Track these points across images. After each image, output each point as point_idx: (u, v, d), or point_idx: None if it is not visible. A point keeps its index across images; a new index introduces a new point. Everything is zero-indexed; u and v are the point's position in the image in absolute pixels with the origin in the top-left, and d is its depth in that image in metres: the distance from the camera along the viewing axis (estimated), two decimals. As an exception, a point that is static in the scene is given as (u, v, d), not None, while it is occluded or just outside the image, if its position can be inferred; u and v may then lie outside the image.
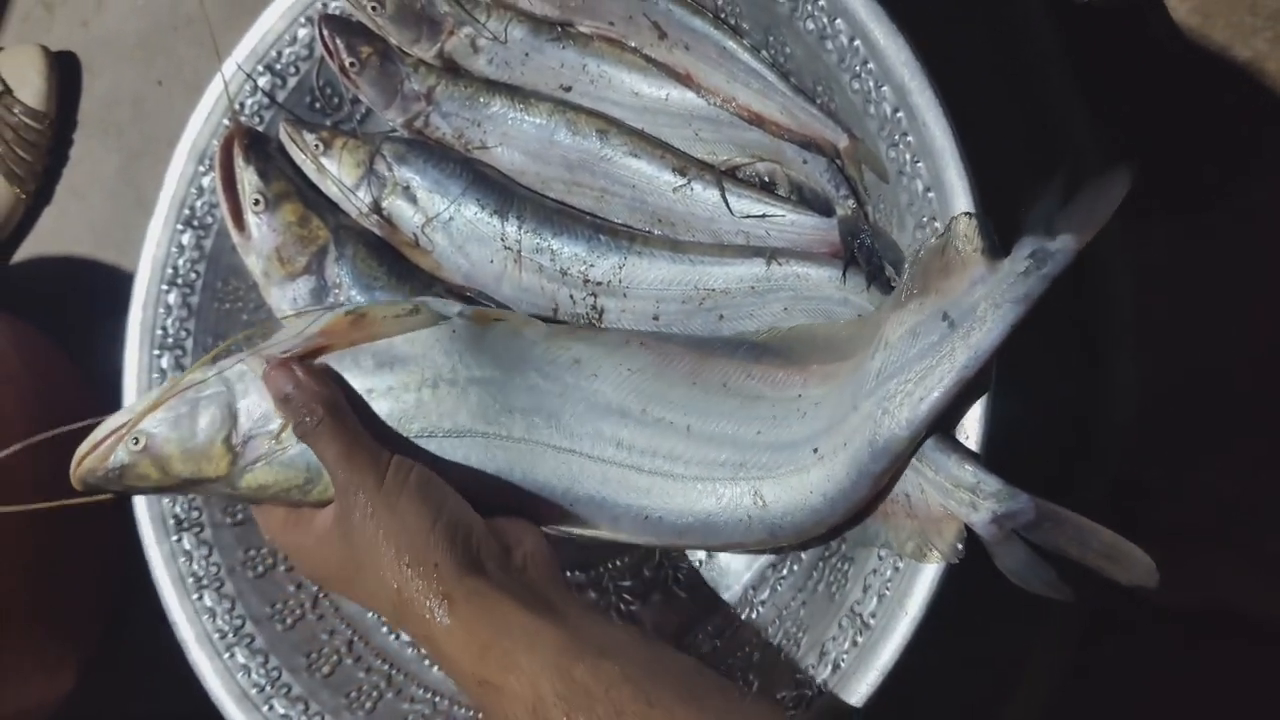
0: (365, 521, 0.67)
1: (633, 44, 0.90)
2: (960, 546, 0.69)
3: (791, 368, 0.79)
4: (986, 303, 0.66)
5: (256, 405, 0.76)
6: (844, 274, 0.82)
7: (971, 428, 0.70)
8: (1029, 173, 0.91)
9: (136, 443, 0.77)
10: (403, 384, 0.77)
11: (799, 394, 0.78)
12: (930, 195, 0.74)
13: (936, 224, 0.74)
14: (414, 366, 0.77)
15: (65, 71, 1.25)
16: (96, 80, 1.26)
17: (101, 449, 0.78)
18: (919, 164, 0.74)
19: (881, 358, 0.70)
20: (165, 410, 0.78)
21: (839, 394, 0.74)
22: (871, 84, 0.77)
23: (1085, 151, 1.04)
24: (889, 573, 0.73)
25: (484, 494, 0.73)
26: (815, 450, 0.73)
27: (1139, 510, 0.94)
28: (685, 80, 0.89)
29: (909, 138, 0.75)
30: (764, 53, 0.85)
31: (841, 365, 0.75)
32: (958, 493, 0.69)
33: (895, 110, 0.75)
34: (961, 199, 0.72)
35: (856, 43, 0.77)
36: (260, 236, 0.95)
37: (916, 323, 0.69)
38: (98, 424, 0.79)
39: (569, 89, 0.94)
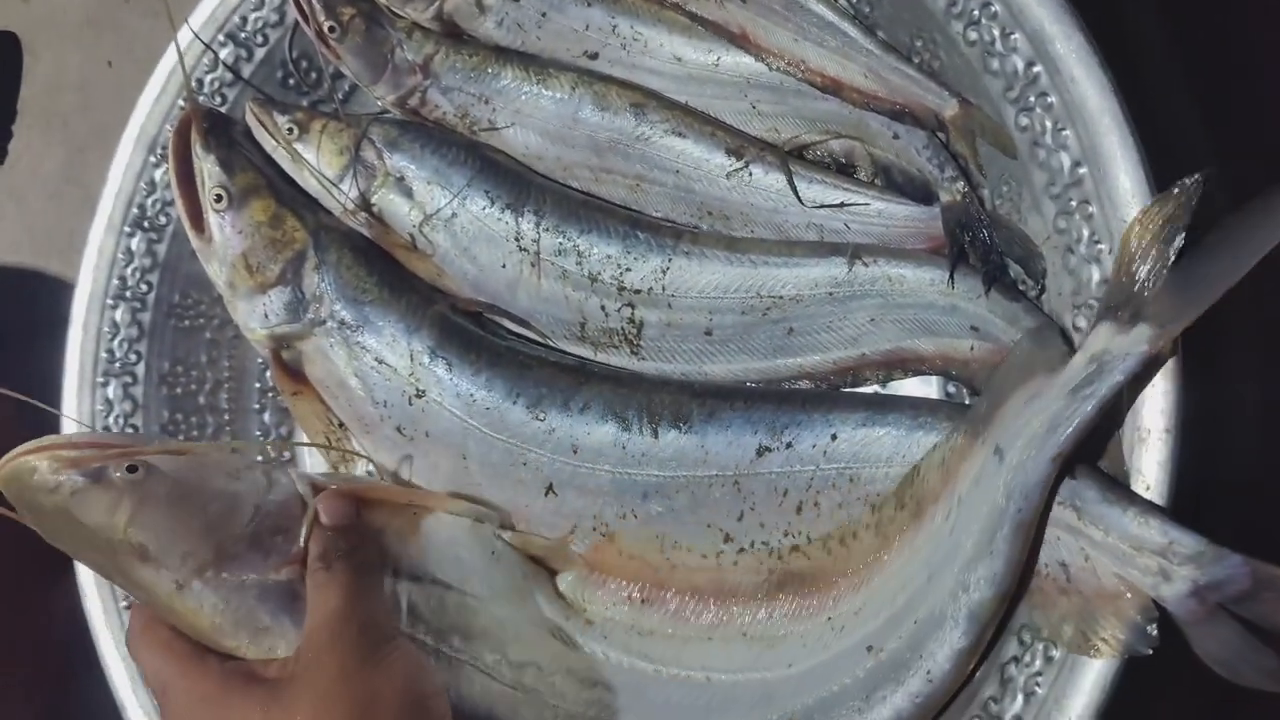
0: (335, 686, 0.54)
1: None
2: (1153, 630, 0.50)
3: (814, 594, 0.65)
4: (1037, 427, 0.53)
5: (277, 520, 0.62)
6: (951, 275, 0.63)
7: (1152, 472, 0.52)
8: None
9: (133, 471, 0.60)
10: (429, 590, 0.66)
11: (828, 617, 0.63)
12: (1081, 171, 0.56)
13: (1091, 209, 0.55)
14: (447, 577, 0.67)
15: (2, 54, 1.06)
16: (38, 63, 1.07)
17: (71, 454, 0.60)
18: (1064, 131, 0.56)
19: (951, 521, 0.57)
20: (186, 462, 0.62)
21: (888, 584, 0.61)
22: (996, 32, 0.58)
23: (1198, 156, 0.86)
24: (1037, 663, 0.55)
25: None
26: (870, 649, 0.59)
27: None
28: (740, 40, 0.70)
29: (1049, 98, 0.57)
30: (841, 2, 0.66)
31: (880, 558, 0.62)
32: (1141, 558, 0.51)
33: (1030, 64, 0.57)
34: (1126, 175, 0.54)
35: (972, -20, 0.58)
36: (223, 240, 0.76)
37: (978, 464, 0.56)
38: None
39: (595, 56, 0.75)
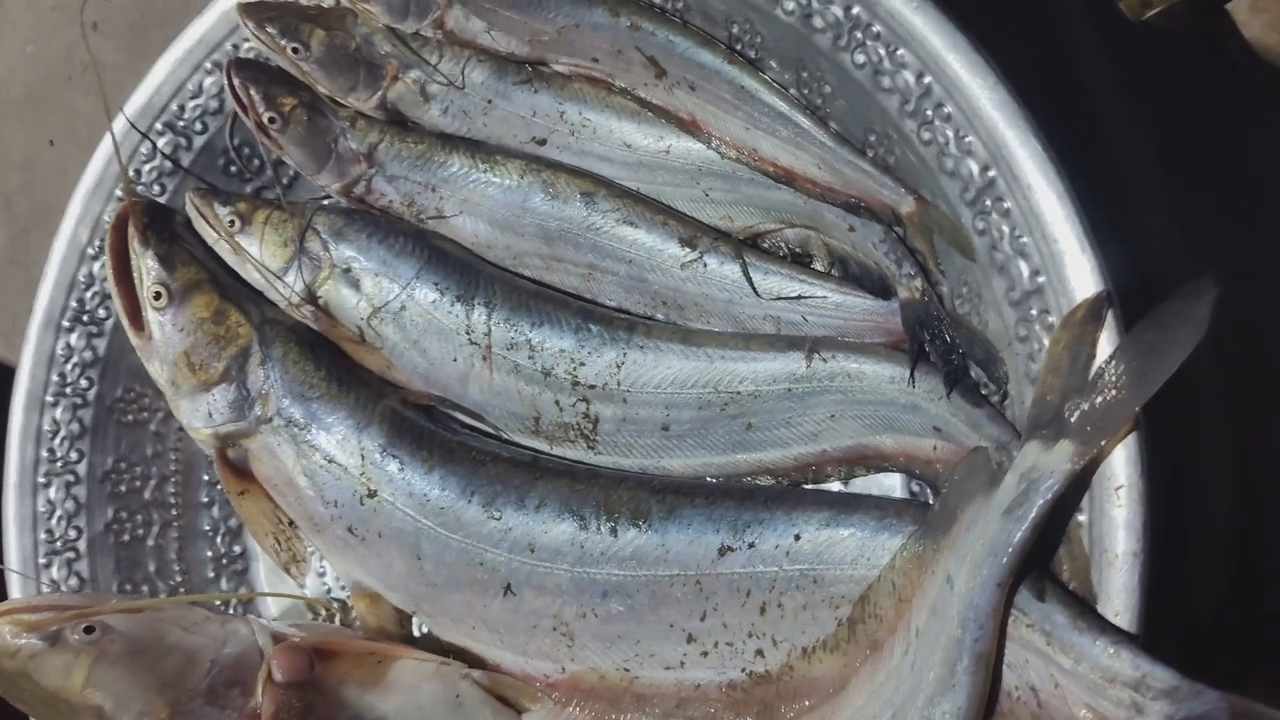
0: None
1: (622, 84, 0.69)
2: (1121, 768, 0.48)
3: None
4: (979, 551, 0.52)
5: (234, 673, 0.61)
6: (911, 373, 0.60)
7: (1120, 597, 0.50)
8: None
9: (89, 631, 0.60)
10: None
11: None
12: (1041, 280, 0.53)
13: (1051, 319, 0.53)
14: None
15: (-61, 131, 1.02)
16: (-22, 140, 1.03)
17: (30, 617, 0.59)
18: (1022, 239, 0.54)
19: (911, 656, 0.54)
20: (142, 618, 0.62)
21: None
22: (950, 133, 0.56)
23: (1150, 201, 0.85)
24: (1006, 789, 0.52)
25: None
26: None
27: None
28: (691, 128, 0.68)
29: (1005, 204, 0.54)
30: (793, 92, 0.64)
31: (841, 696, 0.60)
32: (1113, 689, 0.48)
33: (985, 168, 0.55)
34: (1084, 288, 0.52)
35: (928, 79, 0.56)
36: (164, 338, 0.73)
37: (932, 594, 0.54)
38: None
39: (543, 142, 0.72)
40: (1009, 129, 0.54)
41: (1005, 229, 0.55)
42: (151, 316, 0.73)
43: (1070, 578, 0.52)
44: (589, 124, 0.71)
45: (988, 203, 0.55)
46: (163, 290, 0.73)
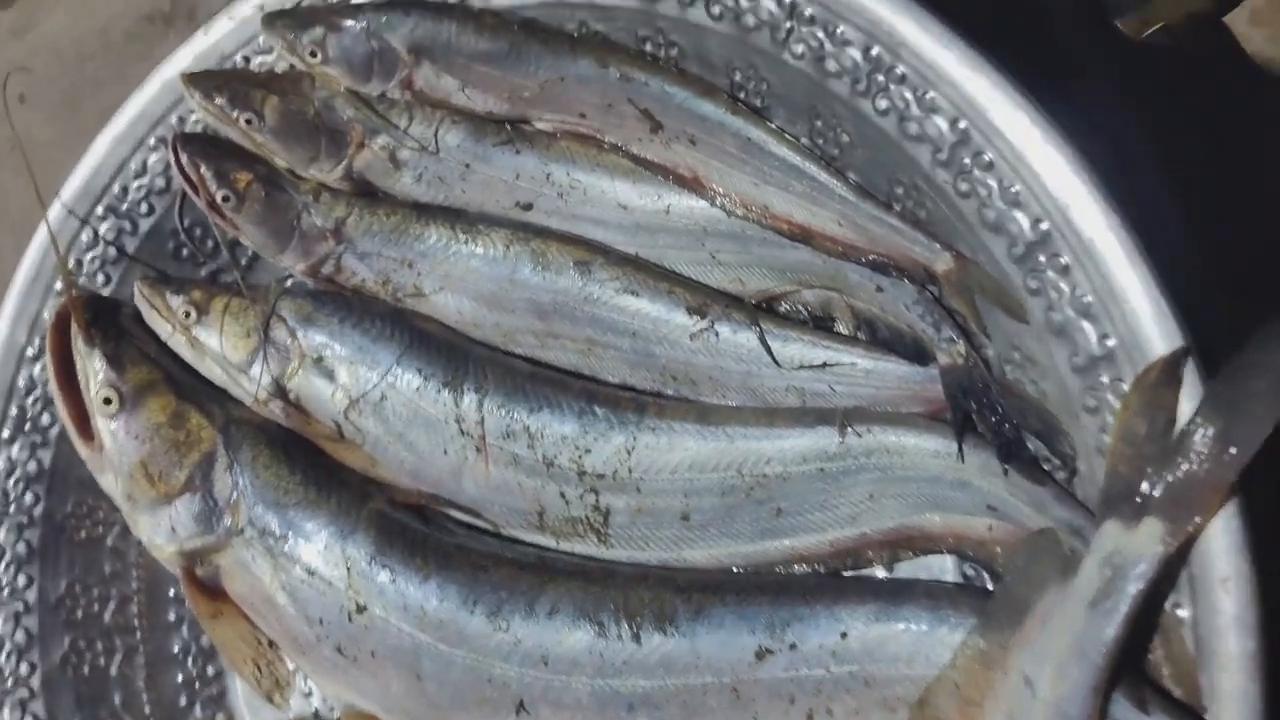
0: None
1: (613, 140, 0.63)
2: None
3: None
4: (1063, 650, 0.46)
5: None
6: (960, 447, 0.54)
7: (1236, 706, 0.44)
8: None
9: None
10: None
11: None
12: (1111, 344, 0.47)
13: (1125, 386, 0.47)
14: None
15: None
16: (-100, 228, 0.94)
17: None
18: (1085, 298, 0.48)
19: None
20: None
21: None
22: (993, 184, 0.50)
23: (1165, 221, 0.80)
24: None
25: None
26: None
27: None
28: (693, 185, 0.62)
29: (1063, 259, 0.48)
30: (806, 141, 0.58)
31: None
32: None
33: (1038, 221, 0.49)
34: (1164, 349, 0.46)
35: (964, 124, 0.50)
36: (117, 447, 0.65)
37: (1008, 699, 0.48)
38: None
39: (529, 207, 0.65)
40: (1064, 177, 0.48)
41: (1064, 288, 0.49)
42: (101, 424, 0.66)
43: (1174, 683, 0.45)
44: (579, 185, 0.64)
45: (1041, 259, 0.49)
46: (113, 394, 0.65)
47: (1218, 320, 0.50)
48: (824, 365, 0.60)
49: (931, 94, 0.51)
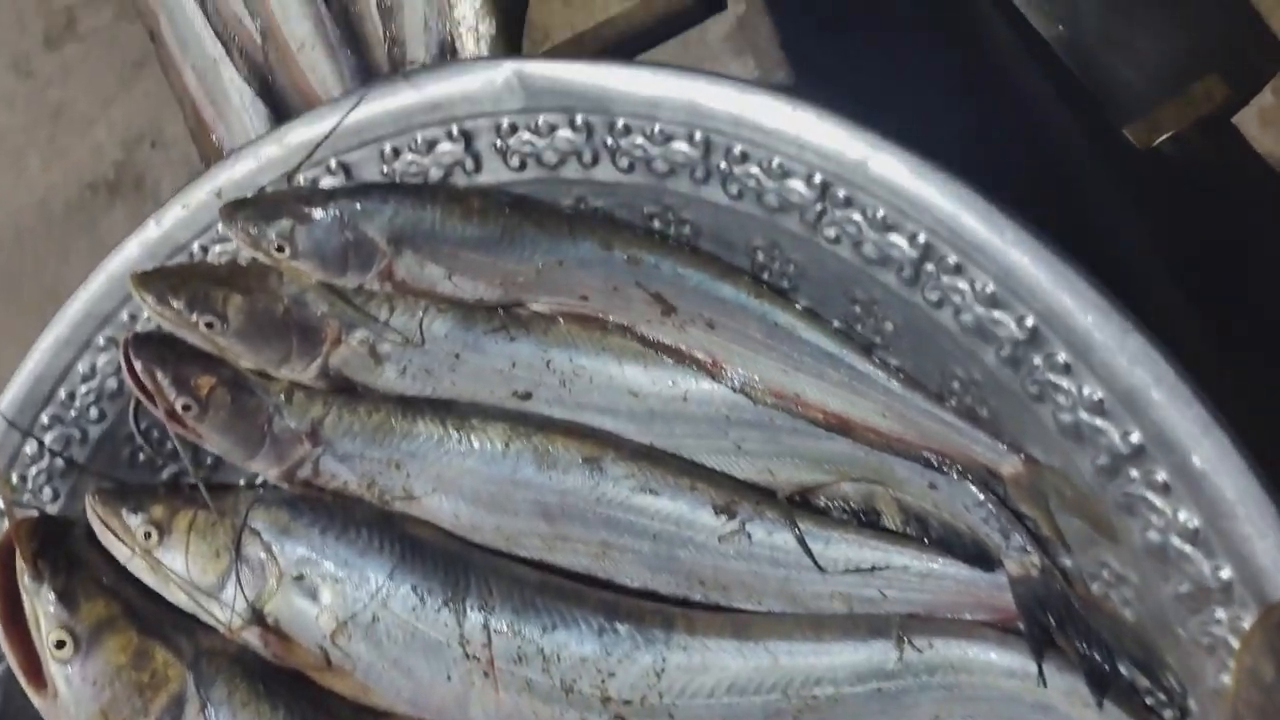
0: None
1: (619, 321, 0.56)
2: None
3: None
4: None
5: None
6: (1040, 667, 0.48)
7: None
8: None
9: None
10: None
11: None
12: (1225, 575, 0.41)
13: (1244, 623, 0.41)
14: None
15: None
16: None
17: None
18: (1190, 523, 0.41)
19: None
20: None
21: None
22: (1071, 387, 0.44)
23: (1179, 333, 0.75)
24: None
25: None
26: None
27: None
28: (712, 370, 0.55)
29: (1158, 475, 0.42)
30: (837, 323, 0.52)
31: None
32: None
33: (1127, 433, 0.43)
34: (1291, 586, 0.40)
35: (1031, 321, 0.44)
36: (74, 695, 0.57)
37: None
38: None
39: (528, 396, 0.59)
40: (1154, 386, 0.42)
41: (1164, 509, 0.42)
42: (55, 670, 0.58)
43: None
44: (583, 371, 0.58)
45: (1134, 474, 0.43)
46: (66, 636, 0.57)
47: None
48: (873, 568, 0.53)
49: (992, 287, 0.45)
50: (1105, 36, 0.87)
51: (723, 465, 0.57)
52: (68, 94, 0.76)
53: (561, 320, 0.58)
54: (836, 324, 0.52)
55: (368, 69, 0.63)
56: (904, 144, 0.45)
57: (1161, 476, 0.42)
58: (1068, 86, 0.87)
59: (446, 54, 0.60)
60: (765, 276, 0.53)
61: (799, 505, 0.56)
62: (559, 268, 0.55)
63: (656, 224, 0.55)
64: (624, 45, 0.60)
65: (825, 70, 0.60)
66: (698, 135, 0.50)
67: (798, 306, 0.53)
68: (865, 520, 0.55)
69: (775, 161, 0.49)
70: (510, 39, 0.59)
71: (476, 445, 0.59)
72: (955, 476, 0.50)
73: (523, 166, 0.55)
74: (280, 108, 0.66)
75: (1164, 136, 0.86)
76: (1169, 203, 0.85)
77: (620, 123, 0.51)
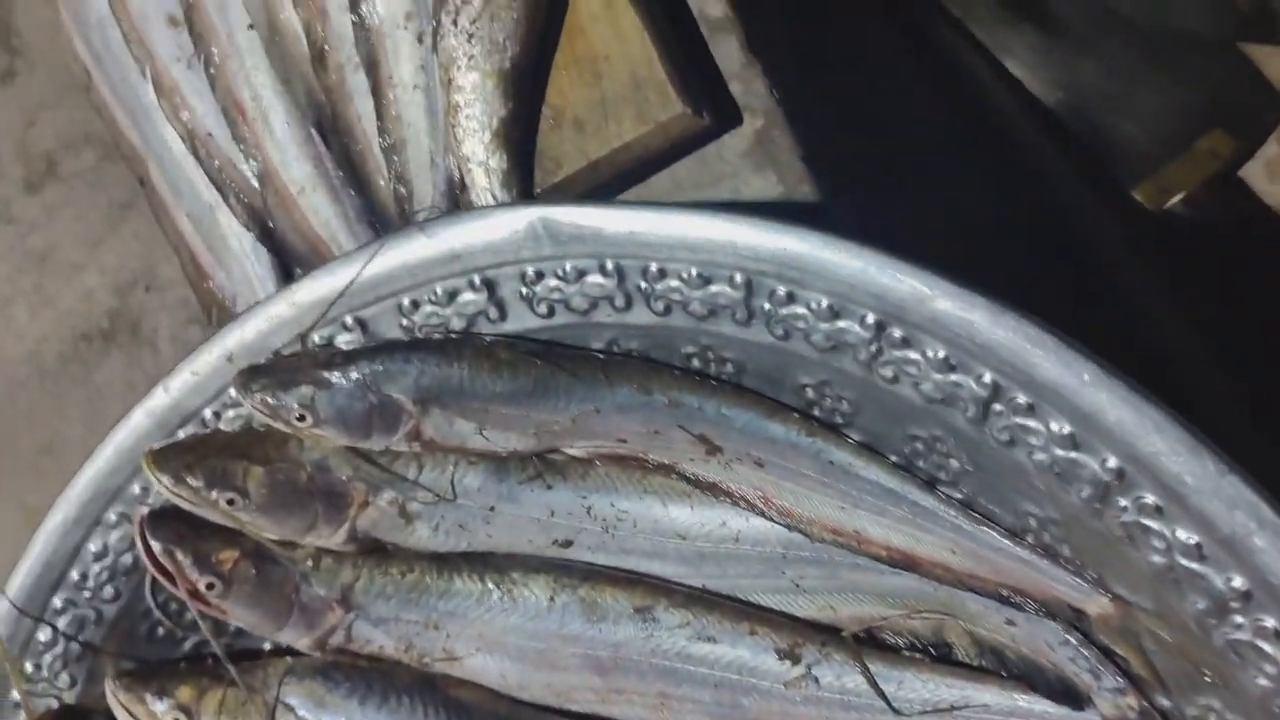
0: None
1: (661, 460, 0.53)
2: None
3: None
4: None
5: None
6: (1144, 817, 0.45)
7: None
8: None
9: None
10: None
11: None
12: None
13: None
14: None
15: None
16: None
17: None
18: (1309, 673, 0.39)
19: None
20: None
21: None
22: (1165, 531, 0.41)
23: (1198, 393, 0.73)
24: None
25: None
26: None
27: None
28: (764, 508, 0.52)
29: (1267, 623, 0.39)
30: (895, 458, 0.49)
31: None
32: None
33: (1230, 578, 0.40)
34: None
35: (1115, 463, 0.41)
36: None
37: None
38: None
39: (568, 544, 0.56)
40: (1258, 532, 0.39)
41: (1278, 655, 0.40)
42: None
43: None
44: (626, 516, 0.55)
45: (1239, 620, 0.40)
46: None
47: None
48: (951, 708, 0.51)
49: (1069, 428, 0.42)
50: (1107, 99, 0.86)
51: (782, 604, 0.54)
52: (52, 239, 0.73)
53: (599, 463, 0.55)
54: (894, 459, 0.49)
55: (373, 210, 0.60)
56: (963, 282, 0.43)
57: (1271, 623, 0.40)
58: (1073, 150, 0.85)
59: (455, 191, 0.57)
60: (815, 413, 0.50)
61: (865, 642, 0.53)
62: (596, 415, 0.52)
63: (696, 363, 0.52)
64: (640, 169, 0.58)
65: (847, 174, 0.58)
66: (738, 277, 0.47)
67: (852, 442, 0.50)
68: (937, 654, 0.52)
69: (824, 303, 0.46)
70: (522, 173, 0.57)
71: (519, 600, 0.55)
72: (1035, 613, 0.48)
73: (551, 313, 0.52)
74: (283, 252, 0.63)
75: (1176, 199, 0.84)
76: (1185, 263, 0.83)
77: (654, 267, 0.49)
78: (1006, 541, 0.47)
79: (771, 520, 0.53)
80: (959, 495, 0.48)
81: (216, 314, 0.64)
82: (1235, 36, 0.86)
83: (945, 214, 0.68)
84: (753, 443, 0.51)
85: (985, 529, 0.48)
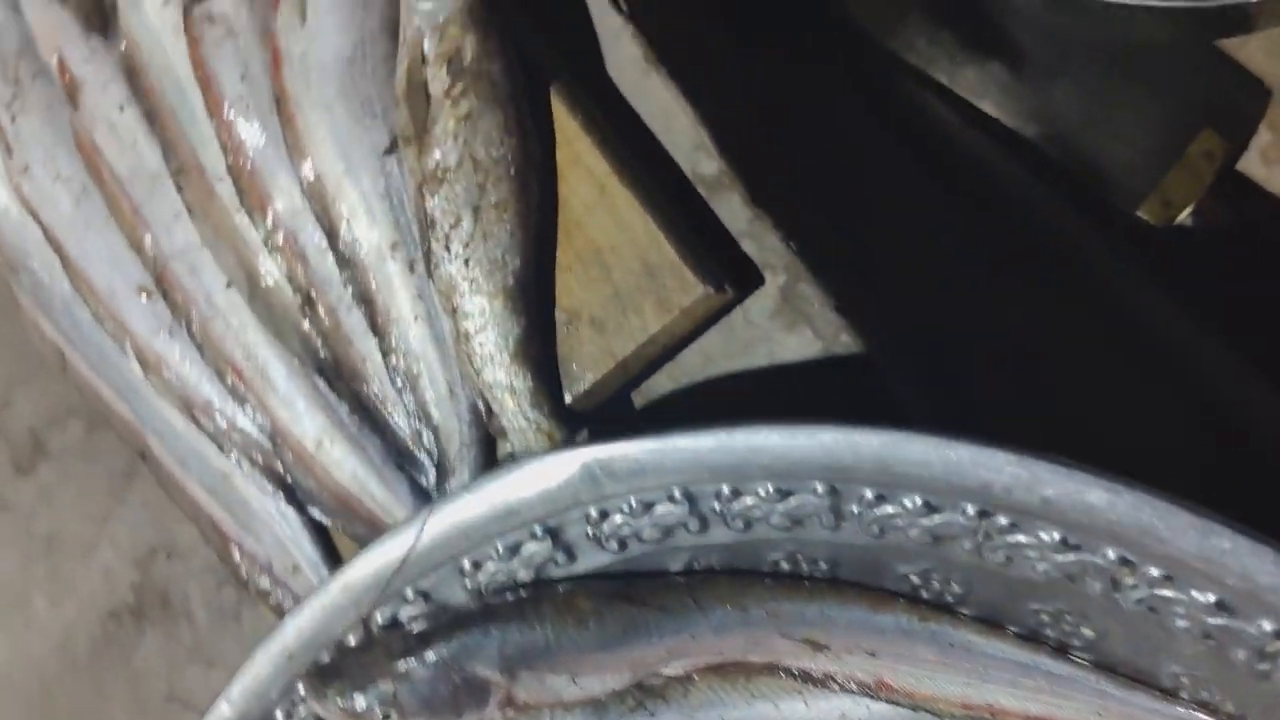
0: None
1: (766, 661, 0.50)
2: None
3: None
4: None
5: None
6: None
7: None
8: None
9: None
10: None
11: None
12: None
13: None
14: None
15: None
16: None
17: None
18: None
19: None
20: None
21: None
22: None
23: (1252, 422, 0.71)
24: None
25: None
26: None
27: None
28: (881, 691, 0.49)
29: None
30: (1014, 629, 0.46)
31: None
32: None
33: None
34: None
35: (1271, 626, 0.39)
36: None
37: None
38: None
39: (684, 764, 0.52)
40: None
41: None
42: None
43: None
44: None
45: None
46: None
47: None
48: None
49: (1215, 596, 0.39)
50: (1086, 120, 0.83)
51: (917, 782, 0.51)
52: (57, 520, 0.69)
53: (697, 677, 0.52)
54: (1015, 630, 0.46)
55: (398, 452, 0.56)
56: (1068, 462, 0.40)
57: None
58: (1074, 189, 0.83)
59: (483, 418, 0.54)
60: (923, 594, 0.47)
61: (1019, 812, 0.50)
62: (691, 641, 0.49)
63: (785, 565, 0.48)
64: (668, 356, 0.55)
65: (880, 317, 0.55)
66: (820, 487, 0.44)
67: (969, 618, 0.47)
68: (1097, 809, 0.49)
69: (919, 500, 0.43)
70: (550, 387, 0.53)
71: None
72: (1201, 766, 0.45)
73: (623, 547, 0.48)
74: (308, 506, 0.59)
75: (1185, 212, 0.82)
76: (1210, 284, 0.81)
77: (726, 489, 0.45)
78: (1162, 702, 0.44)
79: (895, 704, 0.50)
80: (1093, 659, 0.45)
81: (251, 582, 0.61)
82: (1204, 34, 0.84)
83: (976, 315, 0.66)
84: (862, 636, 0.48)
85: (1136, 691, 0.45)
